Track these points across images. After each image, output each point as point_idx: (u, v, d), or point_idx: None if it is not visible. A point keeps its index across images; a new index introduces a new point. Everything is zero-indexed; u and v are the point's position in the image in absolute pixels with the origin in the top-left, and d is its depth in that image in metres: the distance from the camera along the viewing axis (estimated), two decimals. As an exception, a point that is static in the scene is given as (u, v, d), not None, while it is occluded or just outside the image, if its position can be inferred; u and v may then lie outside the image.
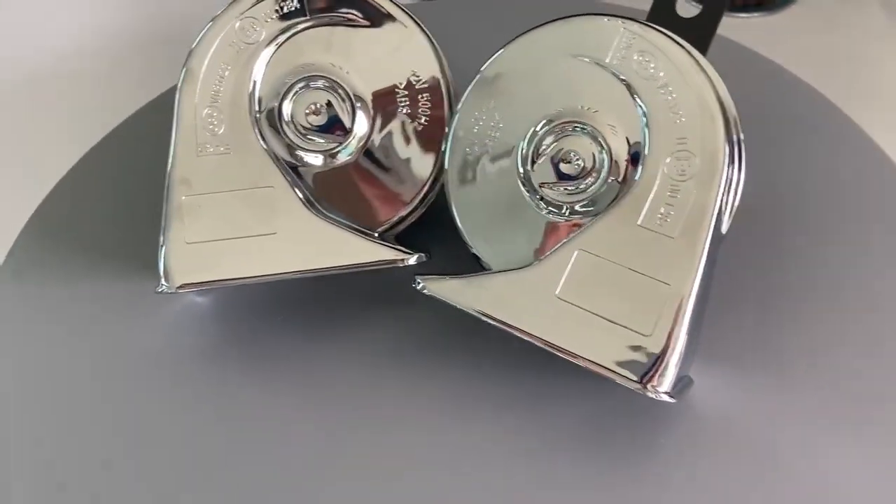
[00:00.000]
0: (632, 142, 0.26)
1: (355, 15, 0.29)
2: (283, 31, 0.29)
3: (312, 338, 0.29)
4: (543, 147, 0.27)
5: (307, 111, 0.29)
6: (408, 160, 0.29)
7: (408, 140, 0.29)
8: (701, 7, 0.29)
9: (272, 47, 0.29)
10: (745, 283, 0.29)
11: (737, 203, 0.26)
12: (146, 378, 0.28)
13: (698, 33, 0.29)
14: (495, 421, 0.27)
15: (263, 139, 0.28)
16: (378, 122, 0.29)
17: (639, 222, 0.25)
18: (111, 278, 0.31)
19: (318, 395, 0.28)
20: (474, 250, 0.28)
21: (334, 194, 0.29)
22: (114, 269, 0.31)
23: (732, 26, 0.29)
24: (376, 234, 0.29)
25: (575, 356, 0.24)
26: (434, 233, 0.29)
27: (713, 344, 0.27)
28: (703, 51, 0.29)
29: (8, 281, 0.31)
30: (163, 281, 0.27)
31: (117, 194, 0.34)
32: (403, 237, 0.29)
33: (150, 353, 0.29)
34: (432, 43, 0.29)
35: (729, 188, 0.25)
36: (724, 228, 0.26)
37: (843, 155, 0.32)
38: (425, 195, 0.29)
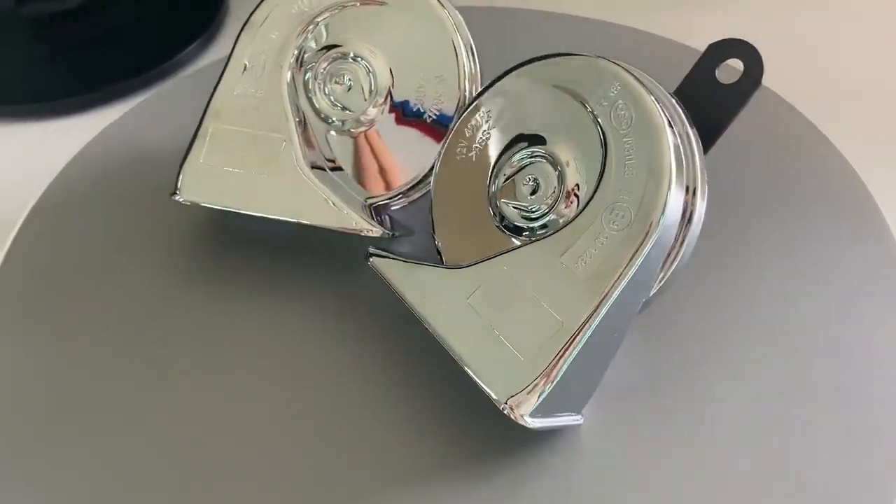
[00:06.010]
0: (585, 182, 0.27)
1: (401, 2, 0.31)
2: (331, 7, 0.32)
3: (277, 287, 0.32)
4: (509, 165, 0.28)
5: (333, 81, 0.32)
6: (411, 146, 0.32)
7: (416, 127, 0.32)
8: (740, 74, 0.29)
9: (325, 15, 0.32)
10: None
11: (674, 268, 0.26)
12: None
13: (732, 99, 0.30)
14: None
15: (291, 95, 0.32)
16: (394, 104, 0.32)
17: (560, 258, 0.26)
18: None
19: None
20: (437, 244, 0.30)
21: (340, 157, 0.32)
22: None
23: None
24: (366, 202, 0.32)
25: (460, 359, 0.26)
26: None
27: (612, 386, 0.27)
28: (731, 117, 0.29)
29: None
30: (178, 188, 0.31)
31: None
32: (399, 215, 0.32)
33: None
34: (455, 49, 0.31)
35: (667, 256, 0.26)
36: (652, 292, 0.26)
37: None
38: (419, 182, 0.32)
